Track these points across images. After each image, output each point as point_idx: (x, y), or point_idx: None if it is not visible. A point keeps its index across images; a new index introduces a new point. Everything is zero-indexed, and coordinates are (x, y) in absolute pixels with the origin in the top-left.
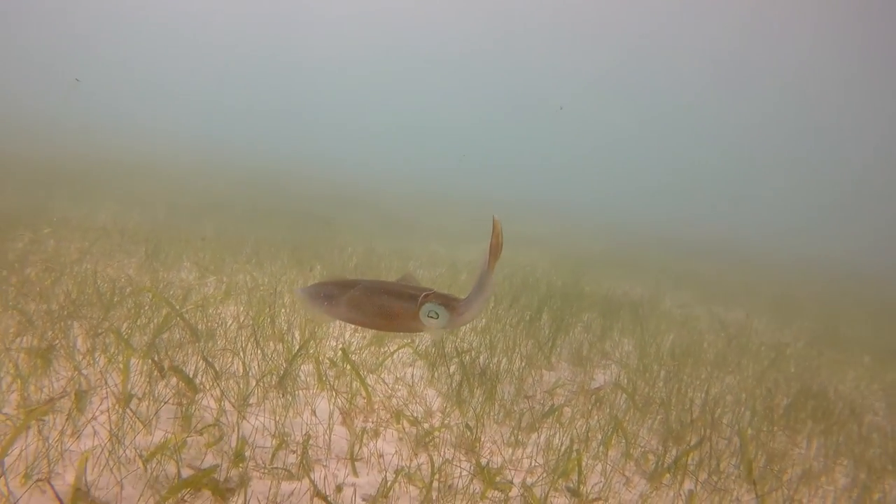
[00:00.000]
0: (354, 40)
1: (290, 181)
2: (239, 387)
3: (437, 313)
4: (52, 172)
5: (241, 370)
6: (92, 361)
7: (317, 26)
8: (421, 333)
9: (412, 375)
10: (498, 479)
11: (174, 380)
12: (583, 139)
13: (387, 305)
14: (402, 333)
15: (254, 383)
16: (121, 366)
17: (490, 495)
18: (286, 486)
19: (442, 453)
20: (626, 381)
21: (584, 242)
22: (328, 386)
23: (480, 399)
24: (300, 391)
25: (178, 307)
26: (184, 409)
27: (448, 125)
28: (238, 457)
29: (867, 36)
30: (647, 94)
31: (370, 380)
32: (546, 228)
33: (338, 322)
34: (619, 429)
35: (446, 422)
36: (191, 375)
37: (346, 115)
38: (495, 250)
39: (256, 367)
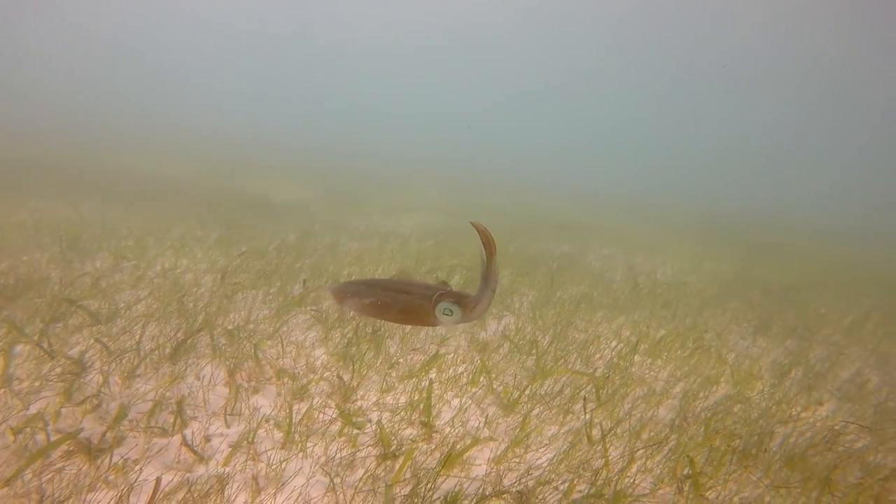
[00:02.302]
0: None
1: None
2: (130, 362)
3: (451, 310)
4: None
5: (141, 347)
6: None
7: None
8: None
9: (308, 339)
10: (357, 419)
11: (63, 360)
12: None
13: (406, 304)
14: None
15: (144, 356)
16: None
17: (346, 432)
18: (158, 442)
19: (314, 402)
20: (514, 328)
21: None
22: (219, 353)
23: (368, 354)
24: (193, 360)
25: (75, 294)
26: (67, 385)
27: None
28: (116, 421)
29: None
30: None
31: (267, 345)
32: (512, 202)
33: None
34: (483, 369)
35: (326, 375)
36: (83, 355)
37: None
38: (489, 247)
39: (153, 343)
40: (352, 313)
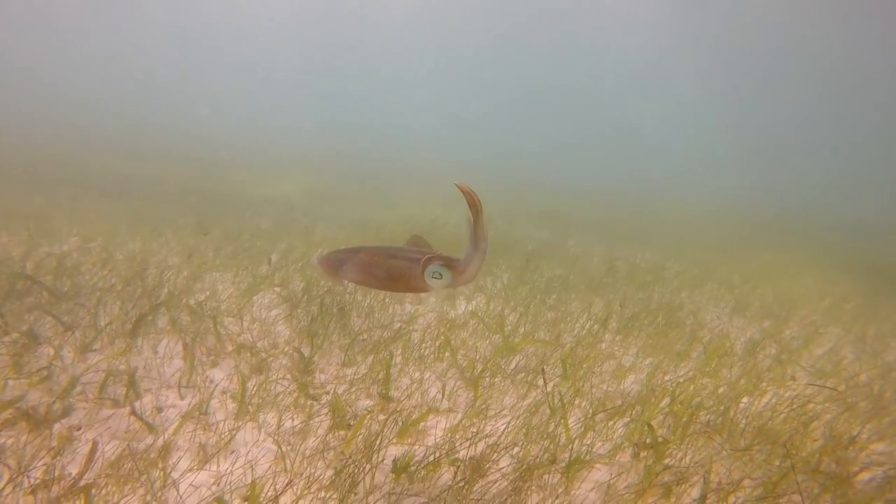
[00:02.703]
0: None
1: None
2: (86, 336)
3: (440, 274)
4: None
5: (107, 322)
6: None
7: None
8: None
9: (272, 316)
10: (314, 391)
11: (15, 335)
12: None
13: (394, 268)
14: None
15: (101, 330)
16: None
17: (301, 403)
18: (109, 412)
19: (272, 376)
20: (484, 307)
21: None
22: (179, 329)
23: (333, 331)
24: (153, 335)
25: (37, 273)
26: (17, 358)
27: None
28: (65, 391)
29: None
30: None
31: (230, 322)
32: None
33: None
34: (447, 343)
35: (286, 350)
36: (36, 330)
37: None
38: (475, 208)
39: (113, 319)
40: (346, 283)
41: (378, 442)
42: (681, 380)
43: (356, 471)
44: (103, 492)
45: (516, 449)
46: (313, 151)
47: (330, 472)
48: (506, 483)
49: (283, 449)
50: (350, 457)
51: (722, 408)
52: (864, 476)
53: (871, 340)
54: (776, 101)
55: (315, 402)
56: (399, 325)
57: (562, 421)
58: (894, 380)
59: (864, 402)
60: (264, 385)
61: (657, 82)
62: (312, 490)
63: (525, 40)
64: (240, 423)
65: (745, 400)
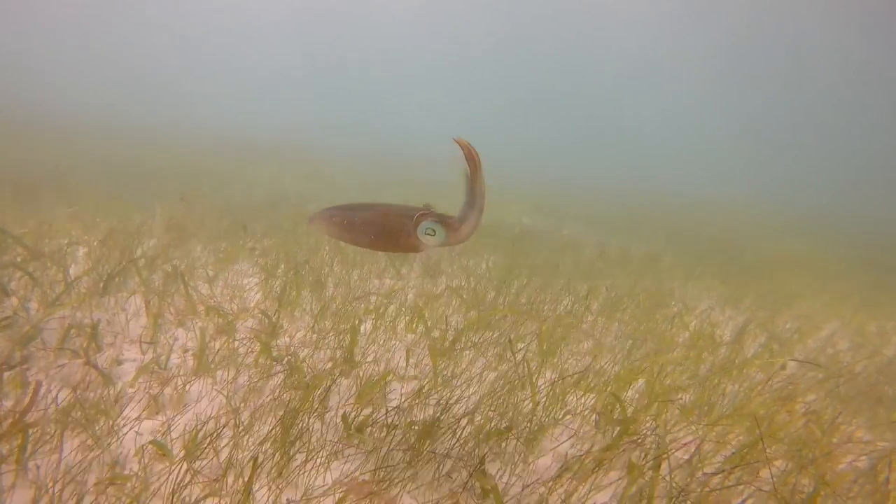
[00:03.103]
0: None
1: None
2: (55, 291)
3: (433, 230)
4: None
5: (76, 277)
6: None
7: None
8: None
9: (247, 283)
10: (276, 353)
11: None
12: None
13: (386, 224)
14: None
15: (70, 283)
16: None
17: (262, 362)
18: (66, 363)
19: (238, 336)
20: (466, 285)
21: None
22: (150, 288)
23: (306, 298)
24: (125, 295)
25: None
26: None
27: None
28: (24, 338)
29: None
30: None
31: (203, 287)
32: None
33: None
34: (420, 314)
35: (256, 314)
36: (7, 284)
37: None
38: (472, 163)
39: (86, 277)
40: (343, 244)
41: (326, 395)
42: (661, 361)
43: (308, 426)
44: (44, 435)
45: (479, 418)
46: (315, 149)
47: (280, 430)
48: (460, 446)
49: (235, 403)
50: (300, 408)
51: (701, 388)
52: (848, 459)
53: (871, 336)
54: (785, 100)
55: (276, 363)
56: (375, 298)
57: (529, 386)
58: (891, 373)
59: (850, 389)
60: (227, 344)
61: (661, 81)
62: (252, 442)
63: (523, 42)
64: (195, 378)
65: (728, 385)
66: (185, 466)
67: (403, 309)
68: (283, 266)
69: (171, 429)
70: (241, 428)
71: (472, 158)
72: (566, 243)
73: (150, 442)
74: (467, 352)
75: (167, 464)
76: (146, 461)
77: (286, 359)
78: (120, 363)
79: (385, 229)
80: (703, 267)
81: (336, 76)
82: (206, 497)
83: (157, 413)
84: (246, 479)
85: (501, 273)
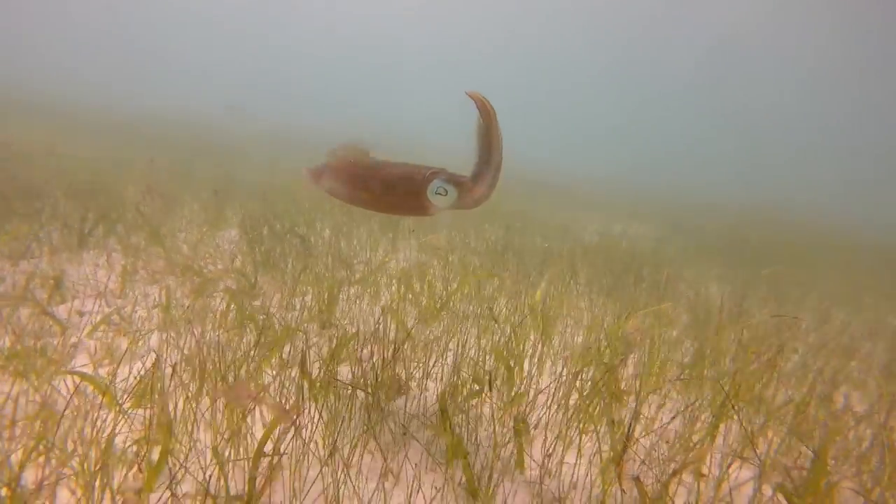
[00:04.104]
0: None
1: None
2: (27, 244)
3: (445, 190)
4: None
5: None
6: None
7: None
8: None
9: (232, 249)
10: (250, 311)
11: None
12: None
13: (392, 179)
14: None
15: (40, 239)
16: None
17: (236, 320)
18: (24, 311)
19: (213, 296)
20: (456, 260)
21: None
22: (126, 246)
23: (293, 266)
24: (101, 252)
25: None
26: None
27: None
28: None
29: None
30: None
31: (184, 248)
32: None
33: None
34: (406, 282)
35: (233, 275)
36: None
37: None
38: (487, 115)
39: (61, 231)
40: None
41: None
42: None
43: (282, 382)
44: None
45: (455, 378)
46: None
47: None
48: (427, 403)
49: (204, 355)
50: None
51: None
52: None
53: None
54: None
55: (249, 322)
56: (362, 266)
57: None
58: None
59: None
60: (201, 302)
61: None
62: (205, 400)
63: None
64: (156, 330)
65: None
66: (118, 410)
67: (392, 276)
68: (267, 228)
69: (127, 379)
70: (195, 378)
71: (486, 111)
72: (563, 227)
73: (81, 377)
74: (459, 321)
75: (107, 408)
76: (80, 403)
77: (261, 317)
78: (81, 315)
79: (391, 186)
80: (710, 251)
81: (336, 76)
82: (137, 442)
83: (114, 364)
84: (189, 431)
85: (497, 249)
